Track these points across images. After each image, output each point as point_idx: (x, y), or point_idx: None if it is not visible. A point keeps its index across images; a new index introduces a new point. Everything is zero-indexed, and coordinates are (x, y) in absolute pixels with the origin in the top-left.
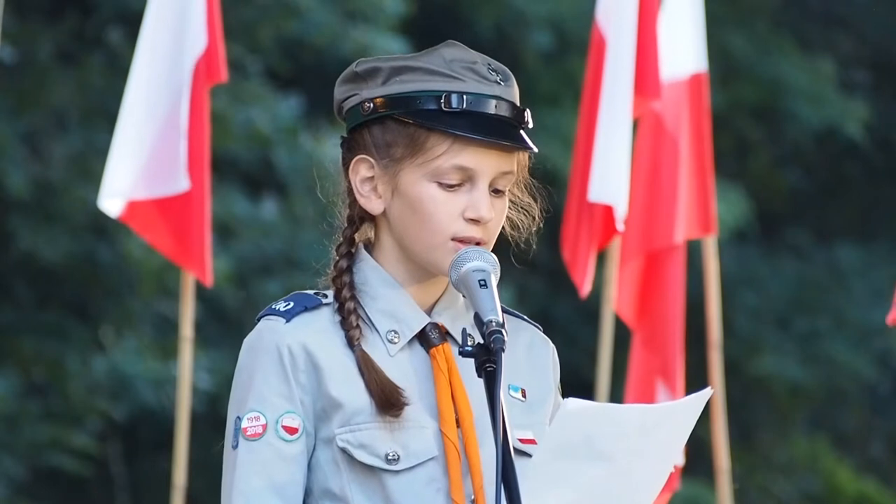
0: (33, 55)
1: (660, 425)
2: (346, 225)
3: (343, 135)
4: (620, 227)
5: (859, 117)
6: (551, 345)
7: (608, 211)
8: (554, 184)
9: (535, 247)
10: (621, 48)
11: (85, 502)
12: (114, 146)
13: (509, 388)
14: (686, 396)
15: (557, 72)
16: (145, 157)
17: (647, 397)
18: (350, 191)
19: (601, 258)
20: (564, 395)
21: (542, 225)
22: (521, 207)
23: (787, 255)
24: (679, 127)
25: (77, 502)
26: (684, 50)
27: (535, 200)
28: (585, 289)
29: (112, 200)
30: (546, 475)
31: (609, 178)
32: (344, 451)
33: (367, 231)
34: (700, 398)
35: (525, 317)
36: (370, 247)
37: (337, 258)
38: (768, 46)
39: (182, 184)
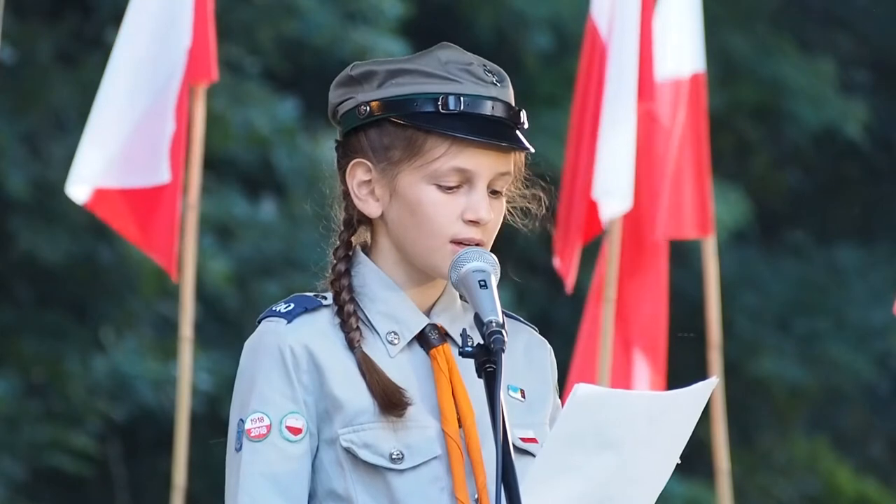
0: (33, 55)
1: (666, 413)
2: (342, 228)
3: (337, 138)
4: (605, 225)
5: (859, 117)
6: (549, 346)
7: (594, 207)
8: (553, 185)
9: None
10: (624, 48)
11: (85, 502)
12: (85, 134)
13: (508, 389)
14: (692, 385)
15: (557, 73)
16: (118, 147)
17: (626, 376)
18: (346, 194)
19: (588, 254)
20: (561, 395)
21: (543, 223)
22: (520, 206)
23: (786, 256)
24: (676, 127)
25: (77, 502)
26: (682, 50)
27: (536, 198)
28: (571, 283)
29: (79, 187)
30: (555, 464)
31: (612, 176)
32: (348, 451)
33: (363, 234)
34: (705, 387)
35: (521, 318)
36: (367, 250)
37: (335, 262)
38: (768, 47)
39: (163, 176)
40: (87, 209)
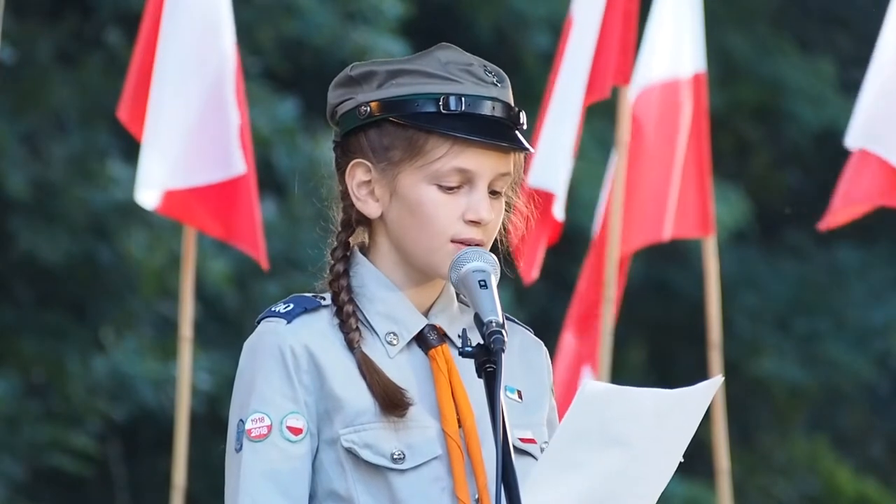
0: (33, 55)
1: (672, 410)
2: (340, 229)
3: (335, 139)
4: (560, 216)
5: None
6: (544, 347)
7: (550, 198)
8: None
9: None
10: (584, 40)
11: (85, 502)
12: (145, 139)
13: (506, 390)
14: (698, 384)
15: None
16: (181, 147)
17: (573, 384)
18: (345, 194)
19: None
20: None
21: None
22: (516, 208)
23: (786, 256)
24: (677, 127)
25: (77, 502)
26: (683, 50)
27: (531, 202)
28: (531, 275)
29: (148, 192)
30: (561, 461)
31: (552, 165)
32: (349, 451)
33: (361, 234)
34: (711, 386)
35: (516, 319)
36: (366, 250)
37: (333, 262)
38: (768, 47)
39: (237, 167)
40: (160, 214)
